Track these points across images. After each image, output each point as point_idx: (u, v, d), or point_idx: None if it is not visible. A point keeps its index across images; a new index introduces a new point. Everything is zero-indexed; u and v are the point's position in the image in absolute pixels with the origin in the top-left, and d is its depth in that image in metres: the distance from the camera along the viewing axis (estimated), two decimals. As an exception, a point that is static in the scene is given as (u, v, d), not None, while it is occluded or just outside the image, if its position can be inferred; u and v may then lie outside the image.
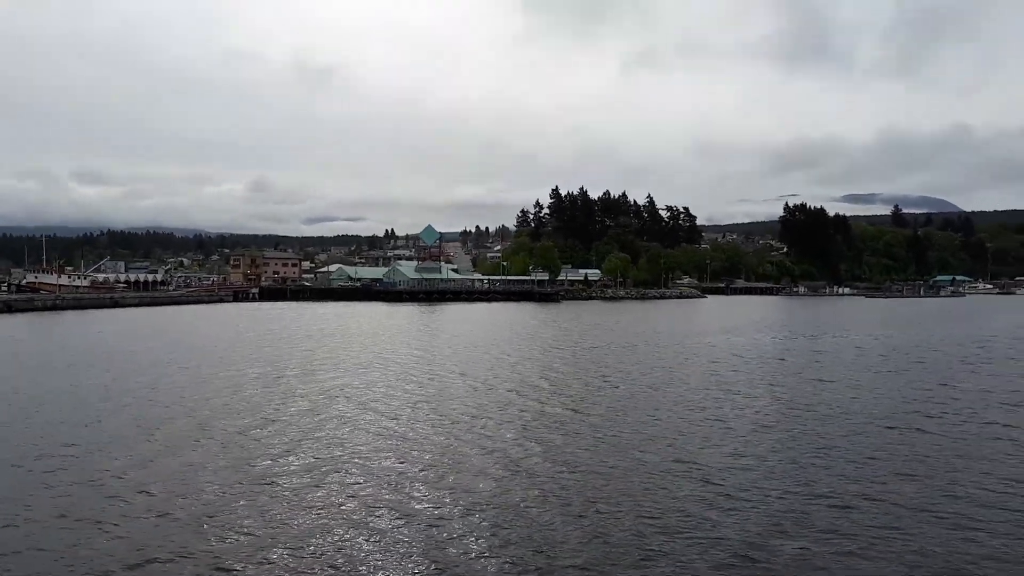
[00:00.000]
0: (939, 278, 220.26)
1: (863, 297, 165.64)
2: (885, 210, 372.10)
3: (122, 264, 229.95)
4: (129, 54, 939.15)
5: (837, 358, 37.78)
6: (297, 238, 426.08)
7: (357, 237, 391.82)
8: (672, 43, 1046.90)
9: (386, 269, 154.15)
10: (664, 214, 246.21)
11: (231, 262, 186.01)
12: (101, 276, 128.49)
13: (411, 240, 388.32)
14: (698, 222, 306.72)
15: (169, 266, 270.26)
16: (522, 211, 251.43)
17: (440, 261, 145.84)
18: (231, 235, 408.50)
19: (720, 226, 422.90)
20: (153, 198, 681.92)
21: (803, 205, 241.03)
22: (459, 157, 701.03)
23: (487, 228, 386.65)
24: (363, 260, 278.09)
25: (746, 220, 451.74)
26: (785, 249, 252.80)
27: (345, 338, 49.32)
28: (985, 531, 11.98)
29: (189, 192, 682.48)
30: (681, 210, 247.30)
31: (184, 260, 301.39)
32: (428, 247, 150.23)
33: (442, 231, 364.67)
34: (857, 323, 70.31)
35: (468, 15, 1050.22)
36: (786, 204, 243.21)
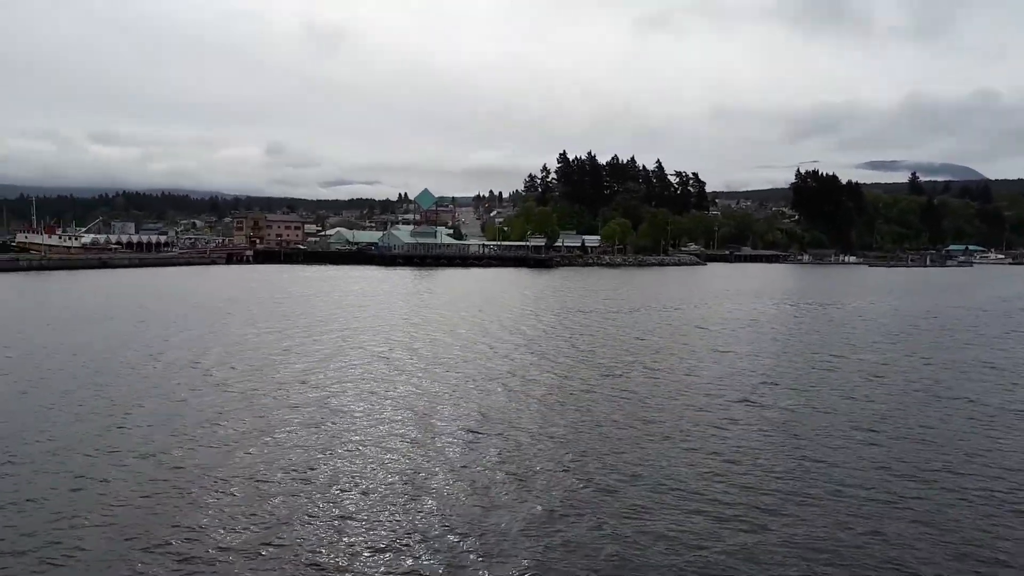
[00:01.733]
0: (951, 247, 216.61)
1: (866, 266, 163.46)
2: (907, 177, 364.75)
3: (132, 225, 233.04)
4: (138, 16, 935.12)
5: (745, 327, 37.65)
6: (312, 201, 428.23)
7: (371, 200, 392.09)
8: (687, 5, 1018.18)
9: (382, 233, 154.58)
10: (673, 180, 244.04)
11: (235, 224, 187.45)
12: (91, 237, 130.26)
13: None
14: (716, 188, 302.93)
15: (181, 227, 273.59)
16: (530, 176, 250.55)
17: (435, 225, 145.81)
18: (247, 197, 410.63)
19: (737, 192, 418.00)
20: (169, 160, 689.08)
21: (815, 172, 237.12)
22: (473, 121, 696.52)
23: (500, 193, 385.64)
24: (372, 224, 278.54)
25: (766, 186, 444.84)
26: (797, 216, 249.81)
27: (311, 303, 49.81)
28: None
29: (205, 155, 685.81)
30: (691, 176, 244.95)
31: (197, 222, 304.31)
32: (425, 211, 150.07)
33: (456, 195, 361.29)
34: (819, 293, 69.67)
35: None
36: (797, 170, 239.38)
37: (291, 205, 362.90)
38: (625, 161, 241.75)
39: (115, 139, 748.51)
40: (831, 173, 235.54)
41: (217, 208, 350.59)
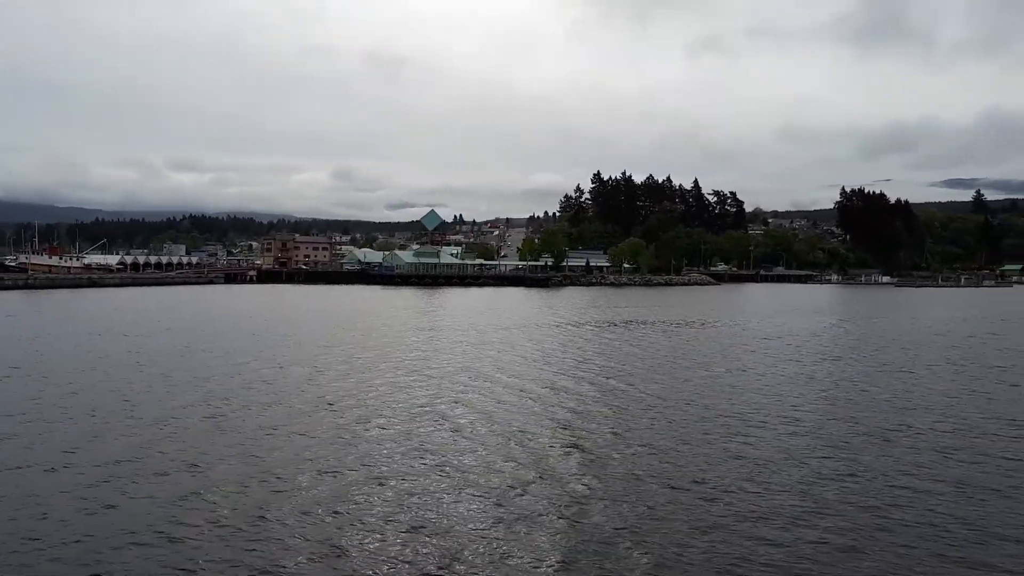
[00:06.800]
0: (1006, 267, 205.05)
1: (893, 286, 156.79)
2: (992, 196, 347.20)
3: (183, 247, 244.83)
4: (220, 52, 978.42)
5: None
6: (375, 223, 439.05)
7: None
8: (735, 28, 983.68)
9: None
10: (711, 199, 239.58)
11: (264, 246, 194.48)
12: (116, 259, 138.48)
13: (477, 226, 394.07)
14: (782, 207, 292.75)
15: (238, 249, 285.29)
16: (565, 196, 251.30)
17: (439, 246, 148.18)
18: (313, 220, 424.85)
19: (803, 211, 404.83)
20: (241, 186, 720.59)
21: (860, 190, 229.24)
22: (537, 143, 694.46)
23: (554, 213, 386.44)
24: (418, 244, 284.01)
25: (833, 206, 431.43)
26: (846, 236, 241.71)
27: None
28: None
29: (277, 180, 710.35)
30: (728, 195, 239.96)
31: (254, 244, 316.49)
32: (430, 232, 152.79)
33: (511, 217, 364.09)
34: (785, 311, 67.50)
35: (524, 4, 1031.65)
36: (842, 189, 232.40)
37: (347, 227, 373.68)
38: (661, 181, 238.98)
39: (193, 166, 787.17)
40: (877, 191, 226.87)
41: (276, 231, 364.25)
